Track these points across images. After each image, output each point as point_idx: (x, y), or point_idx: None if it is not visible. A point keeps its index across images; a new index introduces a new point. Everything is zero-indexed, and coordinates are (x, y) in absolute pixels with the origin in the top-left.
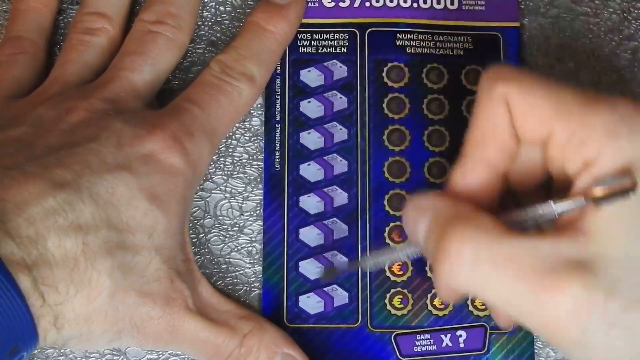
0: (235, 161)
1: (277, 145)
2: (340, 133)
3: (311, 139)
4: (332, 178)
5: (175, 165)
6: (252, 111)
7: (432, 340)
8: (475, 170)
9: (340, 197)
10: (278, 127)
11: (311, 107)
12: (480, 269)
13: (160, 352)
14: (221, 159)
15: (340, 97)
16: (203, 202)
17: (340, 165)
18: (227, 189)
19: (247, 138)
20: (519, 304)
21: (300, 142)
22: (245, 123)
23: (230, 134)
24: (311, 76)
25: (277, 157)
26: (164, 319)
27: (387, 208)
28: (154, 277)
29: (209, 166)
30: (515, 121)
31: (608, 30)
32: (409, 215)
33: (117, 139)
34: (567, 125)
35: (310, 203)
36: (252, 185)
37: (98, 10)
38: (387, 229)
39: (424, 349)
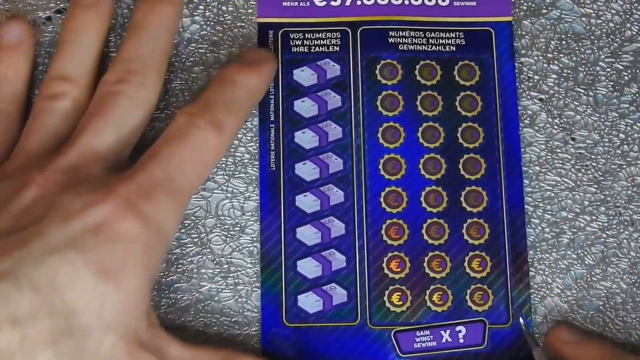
0: (237, 161)
1: (272, 145)
2: (334, 132)
3: (306, 138)
4: (328, 177)
5: (129, 233)
6: (254, 111)
7: (431, 337)
8: None
9: (336, 195)
10: (272, 127)
11: (305, 107)
12: None
13: None
14: (223, 159)
15: (334, 96)
16: (205, 201)
17: (335, 163)
18: (228, 188)
19: (249, 138)
20: None
21: (295, 142)
22: (247, 123)
23: None
24: (304, 75)
25: (272, 157)
26: None
27: (383, 205)
28: (110, 353)
29: None
30: None
31: (610, 31)
32: None
33: (66, 213)
34: None
35: (307, 202)
36: (254, 185)
37: (61, 73)
38: (383, 226)
39: (423, 345)
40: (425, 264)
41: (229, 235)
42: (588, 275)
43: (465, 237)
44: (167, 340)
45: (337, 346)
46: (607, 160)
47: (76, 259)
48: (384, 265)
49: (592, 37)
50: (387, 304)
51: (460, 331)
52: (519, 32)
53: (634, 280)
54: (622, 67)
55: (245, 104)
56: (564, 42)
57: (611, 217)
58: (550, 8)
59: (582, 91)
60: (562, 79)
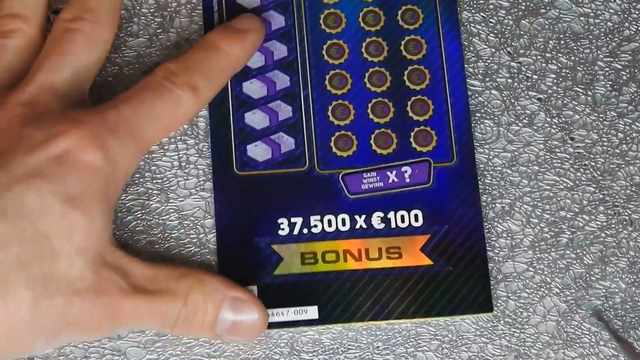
0: None
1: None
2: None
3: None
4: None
5: (92, 163)
6: None
7: (378, 178)
8: None
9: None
10: None
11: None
12: None
13: (160, 352)
14: None
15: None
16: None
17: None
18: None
19: None
20: None
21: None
22: None
23: None
24: None
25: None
26: (98, 310)
27: (334, 150)
28: (79, 276)
29: None
30: None
31: (608, 31)
32: None
33: (29, 146)
34: None
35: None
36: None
37: (12, 11)
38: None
39: (371, 186)
40: (369, 111)
41: None
42: (587, 275)
43: (407, 83)
44: (129, 260)
45: (288, 191)
46: (605, 160)
47: (42, 187)
48: (329, 113)
49: (591, 37)
50: (334, 150)
51: (406, 171)
52: (518, 31)
53: (632, 280)
54: (620, 67)
55: (224, 73)
56: (562, 41)
57: (610, 217)
58: (548, 7)
59: (581, 91)
60: (560, 79)
